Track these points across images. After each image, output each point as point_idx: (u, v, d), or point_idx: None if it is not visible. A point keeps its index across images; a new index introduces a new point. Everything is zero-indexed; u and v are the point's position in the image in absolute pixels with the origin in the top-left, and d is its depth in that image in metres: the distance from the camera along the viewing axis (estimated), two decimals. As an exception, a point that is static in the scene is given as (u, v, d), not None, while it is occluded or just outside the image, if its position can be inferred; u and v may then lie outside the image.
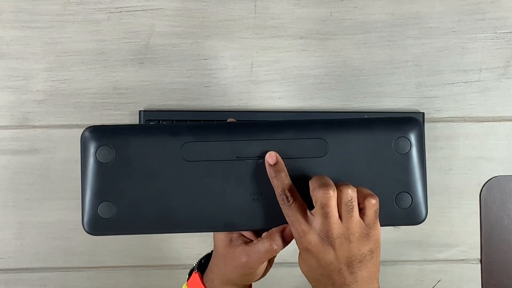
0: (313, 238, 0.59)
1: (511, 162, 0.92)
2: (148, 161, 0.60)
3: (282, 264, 0.89)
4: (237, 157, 0.60)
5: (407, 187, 0.62)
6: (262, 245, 0.62)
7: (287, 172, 0.60)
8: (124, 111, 0.90)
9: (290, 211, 0.59)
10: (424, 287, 0.92)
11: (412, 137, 0.61)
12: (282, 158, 0.60)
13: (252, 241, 0.64)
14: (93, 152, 0.59)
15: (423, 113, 0.90)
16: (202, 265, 0.70)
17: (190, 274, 0.70)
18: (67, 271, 0.91)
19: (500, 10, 0.91)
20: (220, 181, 0.61)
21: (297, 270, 0.91)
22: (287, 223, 0.61)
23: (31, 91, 0.90)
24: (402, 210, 0.62)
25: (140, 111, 0.89)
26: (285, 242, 0.62)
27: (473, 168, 0.92)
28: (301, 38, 0.91)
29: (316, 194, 0.58)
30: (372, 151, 0.61)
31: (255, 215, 0.62)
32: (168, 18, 0.90)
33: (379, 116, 0.90)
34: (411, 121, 0.61)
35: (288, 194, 0.59)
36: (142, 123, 0.89)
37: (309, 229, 0.59)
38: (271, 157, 0.60)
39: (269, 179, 0.60)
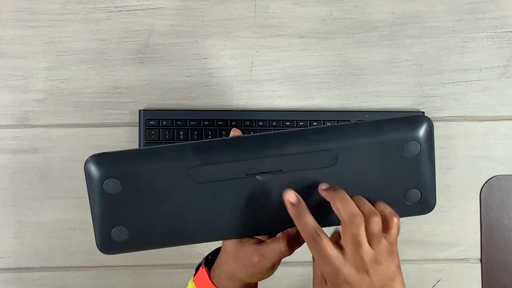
0: (348, 271, 0.57)
1: (511, 161, 0.92)
2: (157, 186, 0.58)
3: (284, 263, 0.89)
4: (246, 174, 0.59)
5: (417, 185, 0.61)
6: (277, 246, 0.62)
7: (308, 210, 0.59)
8: (124, 110, 0.90)
9: (319, 250, 0.58)
10: (424, 286, 0.92)
11: (422, 139, 0.59)
12: (291, 171, 0.59)
13: (263, 241, 0.64)
14: (99, 184, 0.57)
15: (423, 112, 0.91)
16: (209, 261, 0.70)
17: (197, 270, 0.70)
18: (67, 270, 0.91)
19: (500, 10, 0.91)
20: (231, 198, 0.60)
21: (296, 270, 0.92)
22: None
23: (31, 90, 0.90)
24: (412, 204, 0.62)
25: (140, 110, 0.89)
26: (299, 243, 0.62)
27: (473, 167, 0.92)
28: (301, 37, 0.91)
29: (345, 225, 0.57)
30: (381, 156, 0.59)
31: (268, 224, 0.62)
32: (168, 17, 0.90)
33: (380, 116, 0.90)
34: (420, 123, 0.59)
35: (315, 234, 0.58)
36: (142, 122, 0.89)
37: (343, 263, 0.57)
38: (291, 196, 0.59)
39: (279, 190, 0.59)
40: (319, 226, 0.58)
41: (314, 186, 0.60)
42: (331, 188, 0.59)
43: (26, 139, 0.90)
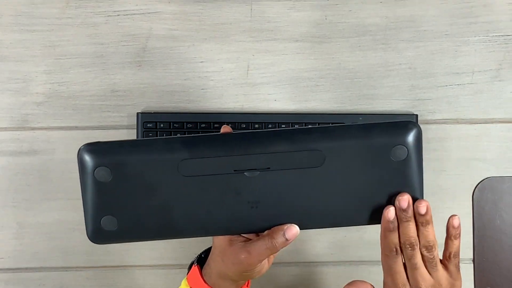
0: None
1: (503, 163, 0.93)
2: (146, 178, 0.60)
3: (279, 263, 0.90)
4: (234, 170, 0.60)
5: (404, 187, 0.62)
6: (263, 242, 0.62)
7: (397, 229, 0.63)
8: (122, 113, 0.91)
9: (394, 262, 0.64)
10: (417, 286, 0.93)
11: (410, 144, 0.60)
12: (279, 170, 0.60)
13: (251, 239, 0.65)
14: (91, 172, 0.59)
15: (417, 115, 0.92)
16: (202, 259, 0.70)
17: (190, 268, 0.71)
18: (66, 270, 0.92)
19: (492, 14, 0.92)
20: (219, 193, 0.61)
21: (293, 270, 0.93)
22: (288, 223, 0.62)
23: (30, 94, 0.91)
24: None
25: (137, 113, 0.90)
26: (287, 240, 0.62)
27: (465, 169, 0.93)
28: (296, 41, 0.92)
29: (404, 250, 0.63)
30: (369, 159, 0.60)
31: (254, 221, 0.62)
32: (165, 21, 0.91)
33: (374, 119, 0.91)
34: (408, 128, 0.60)
35: (398, 248, 0.63)
36: (140, 125, 0.90)
37: (406, 281, 0.64)
38: (392, 213, 0.62)
39: (267, 188, 0.61)
40: (398, 246, 0.63)
41: (303, 187, 0.61)
42: (405, 211, 0.62)
43: (25, 142, 0.91)
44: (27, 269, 0.92)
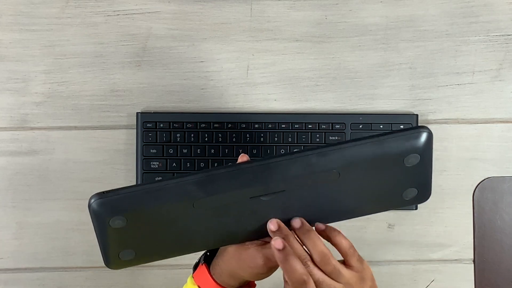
0: None
1: (503, 163, 0.93)
2: (161, 219, 0.60)
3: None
4: (250, 197, 0.60)
5: (414, 185, 0.63)
6: None
7: (295, 255, 0.61)
8: (122, 113, 0.91)
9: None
10: (417, 286, 0.93)
11: (423, 151, 0.60)
12: (293, 190, 0.60)
13: (265, 242, 0.65)
14: (105, 222, 0.58)
15: (417, 115, 0.91)
16: (208, 257, 0.70)
17: (195, 267, 0.71)
18: (66, 271, 0.92)
19: (492, 13, 0.92)
20: (235, 217, 0.61)
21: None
22: None
23: (29, 93, 0.91)
24: (409, 200, 0.64)
25: (137, 113, 0.90)
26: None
27: (466, 169, 0.93)
28: (296, 40, 0.92)
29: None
30: (382, 169, 0.61)
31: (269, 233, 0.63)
32: (165, 21, 0.91)
33: (374, 119, 0.91)
34: (420, 135, 0.59)
35: (303, 279, 0.60)
36: (139, 125, 0.89)
37: None
38: (277, 243, 0.60)
39: (282, 206, 0.61)
40: (306, 272, 0.60)
41: (316, 198, 0.61)
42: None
43: (25, 141, 0.91)
44: (26, 269, 0.92)
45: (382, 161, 0.60)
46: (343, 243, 0.63)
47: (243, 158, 0.66)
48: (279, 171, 0.59)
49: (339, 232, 0.63)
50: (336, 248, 0.63)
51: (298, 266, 0.59)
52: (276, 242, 0.59)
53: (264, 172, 0.59)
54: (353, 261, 0.63)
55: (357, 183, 0.61)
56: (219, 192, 0.59)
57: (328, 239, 0.63)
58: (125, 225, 0.58)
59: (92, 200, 0.58)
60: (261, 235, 0.64)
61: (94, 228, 0.59)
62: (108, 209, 0.58)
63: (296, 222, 0.61)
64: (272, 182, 0.59)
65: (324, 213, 0.63)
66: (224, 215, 0.61)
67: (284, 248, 0.59)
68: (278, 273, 0.93)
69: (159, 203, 0.58)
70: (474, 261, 0.93)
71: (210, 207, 0.59)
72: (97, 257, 0.91)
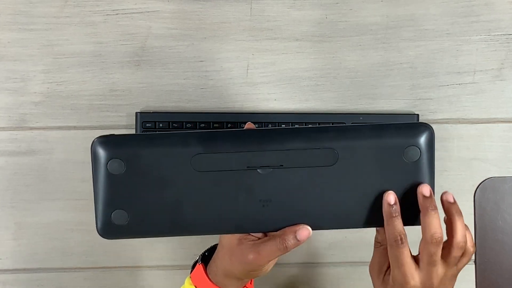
0: (415, 284, 0.63)
1: (505, 163, 0.93)
2: (159, 172, 0.60)
3: (279, 264, 0.89)
4: (247, 167, 0.60)
5: (415, 183, 0.62)
6: (273, 243, 0.62)
7: (400, 215, 0.62)
8: (121, 113, 0.91)
9: (398, 255, 0.62)
10: (418, 287, 0.93)
11: (422, 145, 0.60)
12: (291, 167, 0.60)
13: (260, 239, 0.64)
14: (104, 164, 0.59)
15: (418, 114, 0.91)
16: (206, 258, 0.70)
17: (193, 266, 0.71)
18: (64, 271, 0.92)
19: (494, 13, 0.91)
20: (231, 190, 0.61)
21: (293, 270, 0.93)
22: (299, 223, 0.62)
23: (28, 93, 0.90)
24: None
25: (136, 113, 0.90)
26: (299, 241, 0.62)
27: (467, 169, 0.92)
28: (296, 40, 0.91)
29: (425, 242, 0.62)
30: (381, 159, 0.61)
31: (265, 220, 0.62)
32: (164, 20, 0.91)
33: (374, 119, 0.90)
34: (420, 129, 0.61)
35: (400, 239, 0.62)
36: (139, 125, 0.89)
37: (413, 275, 0.63)
38: (390, 197, 0.61)
39: (279, 186, 0.61)
40: (405, 233, 0.62)
41: (315, 185, 0.61)
42: (429, 199, 0.61)
43: (23, 141, 0.91)
44: (25, 270, 0.91)
45: (381, 149, 0.60)
46: (459, 231, 0.63)
47: (249, 125, 0.67)
48: (279, 139, 0.60)
49: (462, 216, 0.64)
50: (446, 232, 0.64)
51: (400, 226, 0.61)
52: (389, 197, 0.61)
53: (264, 137, 0.60)
54: (467, 259, 0.64)
55: (354, 175, 0.61)
56: (218, 150, 0.59)
57: (448, 217, 0.64)
58: (123, 172, 0.59)
59: (95, 140, 0.60)
60: (256, 224, 0.63)
61: (93, 176, 0.60)
62: (109, 149, 0.59)
63: (425, 190, 0.61)
64: (270, 148, 0.60)
65: (320, 210, 0.62)
66: (220, 186, 0.60)
67: (395, 203, 0.61)
68: (278, 273, 0.93)
69: (159, 149, 0.59)
70: (475, 261, 0.93)
71: (207, 168, 0.59)
72: (96, 258, 0.92)
